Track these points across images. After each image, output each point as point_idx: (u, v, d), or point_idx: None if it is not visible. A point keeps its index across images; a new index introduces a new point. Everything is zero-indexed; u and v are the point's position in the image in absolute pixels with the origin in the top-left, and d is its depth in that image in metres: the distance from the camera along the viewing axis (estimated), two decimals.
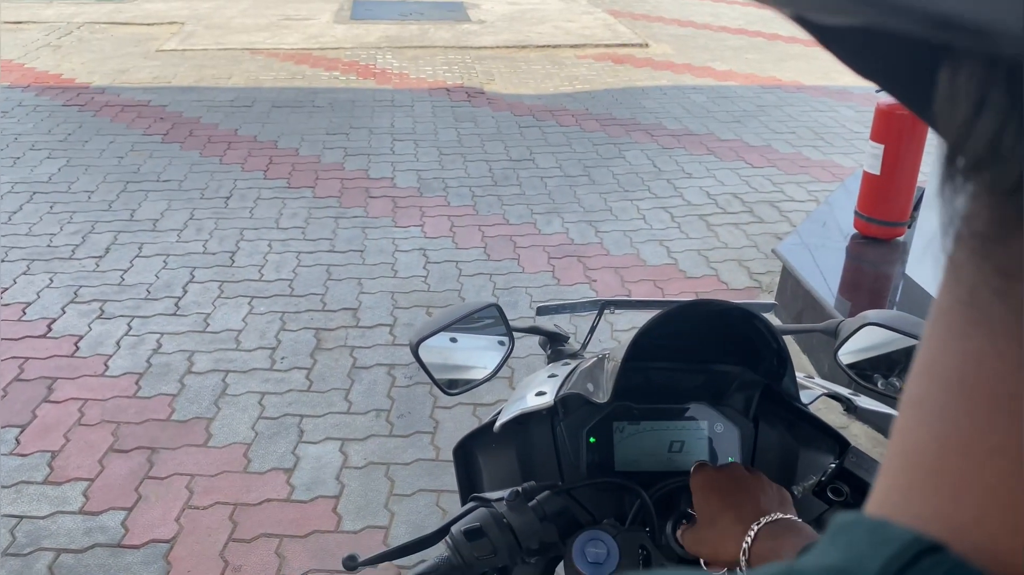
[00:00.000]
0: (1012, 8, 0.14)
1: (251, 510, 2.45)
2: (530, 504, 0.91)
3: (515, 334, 1.13)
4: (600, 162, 5.15)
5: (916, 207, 3.32)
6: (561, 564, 0.96)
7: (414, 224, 4.28)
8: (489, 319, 1.11)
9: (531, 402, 0.97)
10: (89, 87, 6.59)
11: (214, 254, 3.95)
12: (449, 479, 2.54)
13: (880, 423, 2.67)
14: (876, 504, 0.23)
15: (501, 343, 1.12)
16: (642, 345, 0.88)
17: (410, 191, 4.70)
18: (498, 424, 0.99)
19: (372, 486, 2.55)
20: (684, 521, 0.91)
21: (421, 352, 1.02)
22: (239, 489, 2.53)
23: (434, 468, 2.61)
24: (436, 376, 1.05)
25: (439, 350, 1.06)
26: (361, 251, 3.99)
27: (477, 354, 1.11)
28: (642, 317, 0.93)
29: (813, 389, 1.00)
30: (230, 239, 4.10)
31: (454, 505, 2.44)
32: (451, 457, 2.66)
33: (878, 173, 3.22)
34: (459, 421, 2.80)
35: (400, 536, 2.35)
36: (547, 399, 0.95)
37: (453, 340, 1.08)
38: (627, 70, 7.39)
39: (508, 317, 1.12)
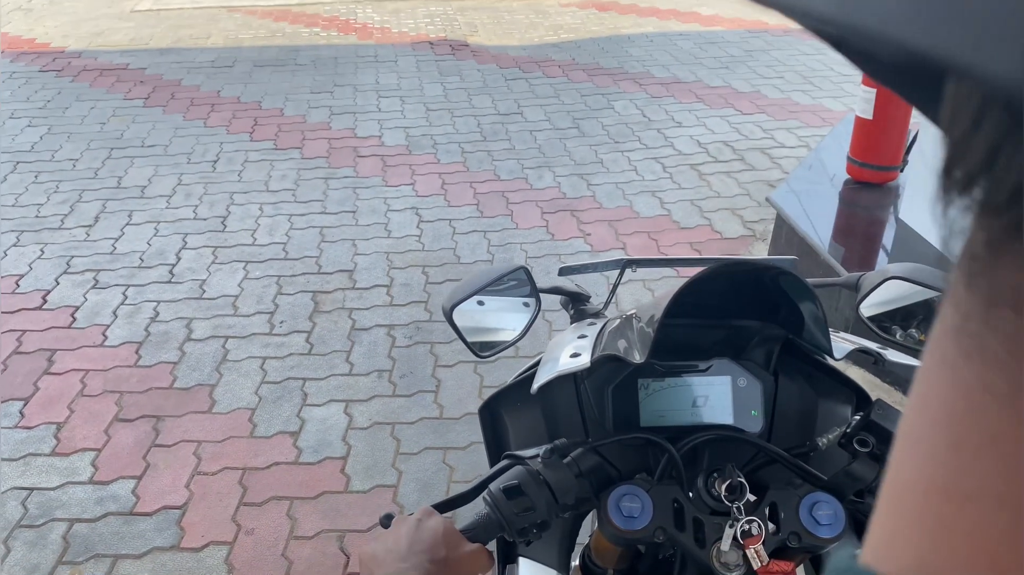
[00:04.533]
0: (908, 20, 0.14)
1: (260, 474, 2.48)
2: (564, 461, 0.92)
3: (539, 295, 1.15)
4: (589, 113, 5.11)
5: (908, 151, 3.32)
6: (590, 516, 0.98)
7: (405, 183, 4.25)
8: (514, 281, 1.12)
9: (566, 363, 0.98)
10: (65, 51, 6.45)
11: (205, 219, 3.92)
12: (454, 436, 2.58)
13: (908, 375, 2.71)
14: (869, 548, 0.23)
15: (526, 304, 1.14)
16: (679, 304, 0.90)
17: (399, 149, 4.66)
18: (535, 387, 1.00)
19: (378, 446, 2.58)
20: (715, 474, 0.93)
21: (455, 316, 1.04)
22: (247, 454, 2.56)
23: (439, 426, 2.64)
24: (468, 339, 1.07)
25: (469, 313, 1.08)
26: (353, 212, 3.97)
27: (505, 316, 1.13)
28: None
29: (843, 344, 1.02)
30: (220, 204, 4.06)
31: (461, 462, 2.48)
32: (455, 415, 2.68)
33: (870, 117, 3.21)
34: (460, 379, 2.83)
35: (410, 494, 2.39)
36: (583, 361, 0.96)
37: (481, 303, 1.09)
38: (612, 17, 7.29)
39: None
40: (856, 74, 3.48)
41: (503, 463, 0.95)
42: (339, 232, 3.79)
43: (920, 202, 2.98)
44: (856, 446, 0.96)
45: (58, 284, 3.42)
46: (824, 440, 1.00)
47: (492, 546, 0.95)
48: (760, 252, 3.53)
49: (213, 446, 2.58)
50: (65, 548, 2.24)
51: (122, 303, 3.29)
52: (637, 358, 0.92)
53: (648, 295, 3.17)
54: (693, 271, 0.91)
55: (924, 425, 0.20)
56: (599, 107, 5.21)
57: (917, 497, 0.20)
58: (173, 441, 2.61)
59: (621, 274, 1.32)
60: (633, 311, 1.05)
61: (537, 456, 0.93)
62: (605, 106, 5.22)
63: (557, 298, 1.33)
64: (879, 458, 0.91)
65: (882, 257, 3.09)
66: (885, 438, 0.93)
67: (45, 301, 3.30)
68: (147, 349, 3.02)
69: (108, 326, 3.15)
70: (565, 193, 4.11)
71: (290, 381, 2.86)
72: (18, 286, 3.40)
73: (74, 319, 3.19)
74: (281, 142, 4.76)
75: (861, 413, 0.99)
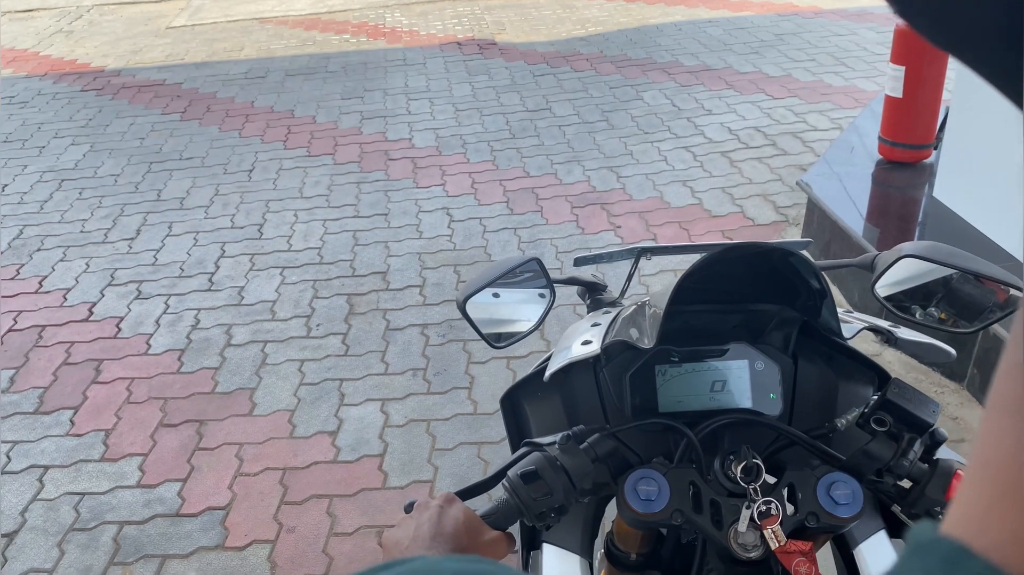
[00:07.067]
0: None
1: (300, 473, 2.54)
2: (581, 447, 0.94)
3: (555, 285, 1.16)
4: (618, 105, 5.10)
5: (941, 128, 3.26)
6: (613, 501, 0.99)
7: (435, 184, 4.30)
8: (530, 273, 1.13)
9: (577, 351, 0.99)
10: (104, 70, 6.63)
11: (242, 228, 4.01)
12: (488, 431, 2.61)
13: (919, 353, 2.66)
14: (956, 519, 0.22)
15: (542, 295, 1.15)
16: (683, 290, 0.90)
17: (429, 151, 4.70)
18: (547, 374, 1.01)
19: (414, 443, 2.61)
20: (731, 457, 0.94)
21: (468, 308, 1.06)
22: (287, 454, 2.61)
23: (473, 422, 2.67)
24: (483, 331, 1.08)
25: (484, 306, 1.10)
26: (385, 214, 4.02)
27: (520, 307, 1.15)
28: (673, 261, 0.95)
29: (853, 323, 1.01)
30: (256, 212, 4.15)
31: (495, 456, 2.51)
32: (489, 410, 2.70)
33: (900, 96, 3.16)
34: (494, 375, 2.85)
35: (445, 488, 2.42)
36: (593, 347, 0.97)
37: (496, 295, 1.11)
38: (640, 8, 7.25)
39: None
40: (889, 51, 3.41)
41: (522, 450, 0.97)
42: (372, 235, 3.85)
43: (956, 180, 2.92)
44: (873, 425, 0.95)
45: (103, 296, 3.52)
46: (843, 421, 1.00)
47: (516, 533, 0.97)
48: (793, 237, 3.49)
49: (254, 448, 2.65)
50: (116, 550, 2.32)
51: (164, 312, 3.38)
52: (647, 344, 0.93)
53: None
54: None
55: (1018, 397, 0.19)
56: (628, 99, 5.19)
57: (1014, 471, 0.19)
58: (216, 444, 2.68)
59: (636, 262, 1.33)
60: (646, 299, 1.06)
61: (555, 443, 0.95)
62: (634, 97, 5.20)
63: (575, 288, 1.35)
64: (896, 437, 0.91)
65: (917, 238, 3.04)
66: (901, 417, 0.93)
67: (91, 313, 3.41)
68: (189, 356, 3.10)
69: (151, 335, 3.24)
70: (595, 187, 4.11)
71: (327, 382, 2.91)
72: (66, 299, 3.52)
73: (119, 329, 3.29)
74: (314, 149, 4.84)
75: (879, 393, 0.98)
